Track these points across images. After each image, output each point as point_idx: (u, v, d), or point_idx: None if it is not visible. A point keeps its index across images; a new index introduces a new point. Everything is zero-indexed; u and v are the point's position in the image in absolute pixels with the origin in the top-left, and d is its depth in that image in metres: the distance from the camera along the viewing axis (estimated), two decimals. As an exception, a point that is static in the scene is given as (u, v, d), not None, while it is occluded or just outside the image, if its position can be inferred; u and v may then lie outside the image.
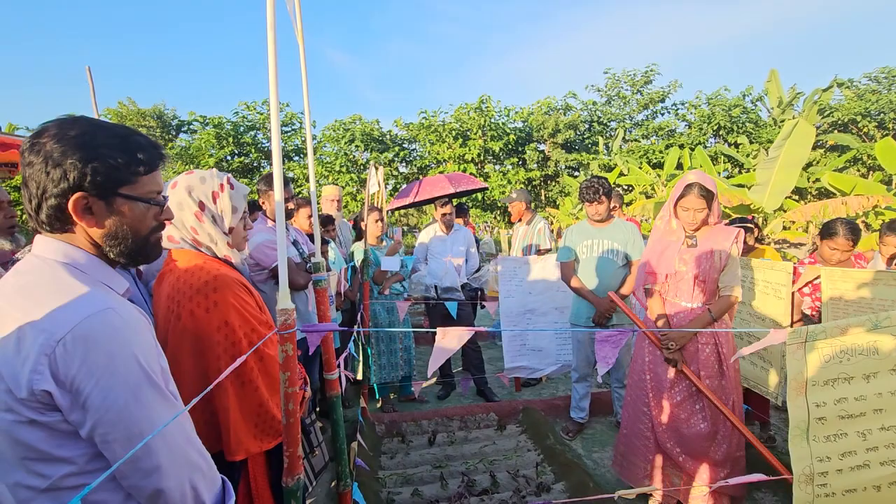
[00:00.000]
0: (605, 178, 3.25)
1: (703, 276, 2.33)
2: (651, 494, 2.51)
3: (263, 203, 2.79)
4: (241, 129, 18.60)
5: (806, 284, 2.90)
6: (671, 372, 2.37)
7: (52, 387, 0.75)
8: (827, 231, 2.87)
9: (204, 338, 1.28)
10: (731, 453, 2.29)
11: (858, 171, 17.01)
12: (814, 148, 14.09)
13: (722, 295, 2.33)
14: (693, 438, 2.31)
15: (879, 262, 3.01)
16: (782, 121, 17.80)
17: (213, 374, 1.21)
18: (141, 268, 1.64)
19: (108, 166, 0.84)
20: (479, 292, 4.78)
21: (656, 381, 2.44)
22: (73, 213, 0.83)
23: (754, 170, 10.38)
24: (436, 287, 4.12)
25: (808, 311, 2.94)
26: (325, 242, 3.34)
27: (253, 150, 18.61)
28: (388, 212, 6.47)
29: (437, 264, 4.13)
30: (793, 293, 2.80)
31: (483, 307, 4.67)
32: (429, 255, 4.19)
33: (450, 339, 1.40)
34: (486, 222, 19.82)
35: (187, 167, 17.37)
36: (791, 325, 2.83)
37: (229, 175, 1.49)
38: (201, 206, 1.39)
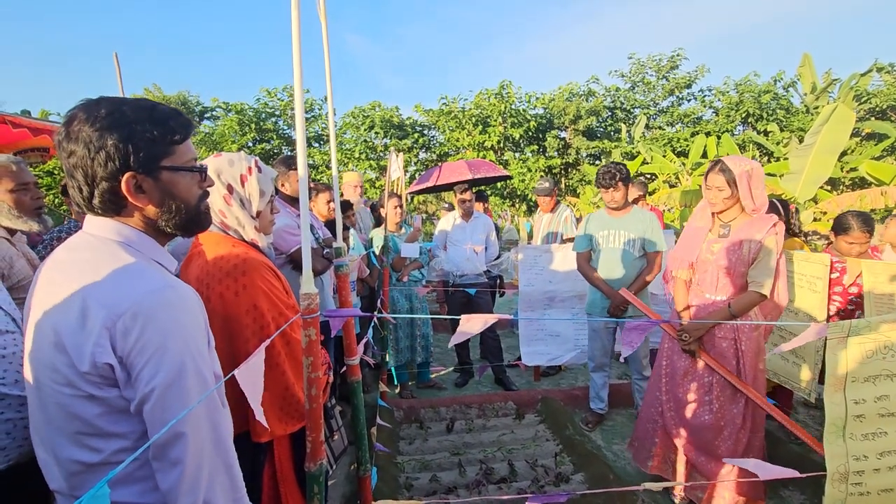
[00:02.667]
0: (623, 164, 3.15)
1: (729, 268, 2.20)
2: (672, 489, 2.47)
3: (283, 185, 2.79)
4: (263, 115, 18.76)
5: (853, 282, 2.80)
6: (686, 361, 2.34)
7: (112, 360, 0.77)
8: (841, 226, 2.79)
9: (233, 321, 1.29)
10: (736, 452, 2.20)
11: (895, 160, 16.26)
12: (849, 136, 13.51)
13: (748, 290, 2.18)
14: (697, 429, 2.28)
15: (889, 254, 2.95)
16: (816, 108, 17.11)
17: (241, 357, 1.22)
18: (167, 249, 1.66)
19: (146, 140, 0.85)
20: (499, 280, 4.75)
21: (671, 368, 2.42)
22: (128, 193, 0.84)
23: (785, 158, 10.02)
24: (454, 274, 4.10)
25: (836, 303, 2.86)
26: (345, 228, 3.34)
27: (274, 137, 18.77)
28: (407, 198, 6.45)
29: (456, 251, 4.11)
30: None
31: (502, 294, 4.64)
32: (448, 242, 4.17)
33: (472, 325, 1.38)
34: (506, 210, 19.68)
35: (211, 153, 17.60)
36: (827, 320, 2.73)
37: (257, 158, 1.49)
38: (230, 189, 1.38)
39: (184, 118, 0.92)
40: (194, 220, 0.95)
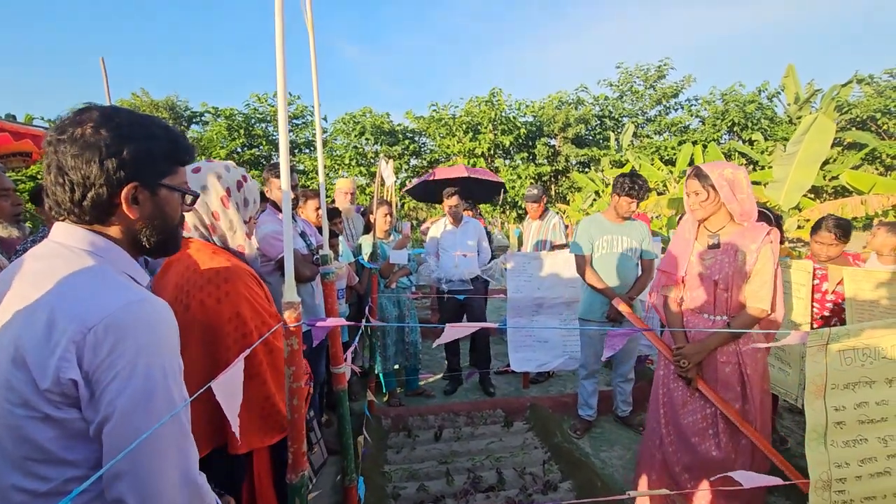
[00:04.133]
0: (644, 178, 3.20)
1: (723, 283, 2.01)
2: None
3: (268, 192, 2.77)
4: (253, 121, 18.70)
5: (832, 290, 2.84)
6: (685, 389, 2.13)
7: (77, 376, 0.73)
8: (814, 227, 2.88)
9: (214, 329, 1.26)
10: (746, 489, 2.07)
11: (877, 169, 16.66)
12: (831, 145, 13.83)
13: (748, 307, 1.99)
14: (704, 466, 2.03)
15: (874, 262, 2.99)
16: (799, 117, 17.48)
17: (222, 366, 1.19)
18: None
19: (160, 156, 0.87)
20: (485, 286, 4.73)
21: (669, 397, 2.19)
22: (125, 202, 0.83)
23: (769, 167, 10.20)
24: (446, 280, 4.11)
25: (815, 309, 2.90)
26: (333, 235, 3.32)
27: (264, 143, 18.71)
28: (397, 204, 6.44)
29: (447, 258, 4.11)
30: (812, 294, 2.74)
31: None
32: (440, 249, 4.17)
33: (457, 332, 1.38)
34: (496, 217, 19.77)
35: (199, 158, 17.45)
36: (811, 326, 2.77)
37: (244, 170, 1.51)
38: (228, 191, 1.39)
39: (191, 144, 0.95)
40: (171, 239, 0.95)
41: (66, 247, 0.83)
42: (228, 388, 0.95)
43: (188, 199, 0.97)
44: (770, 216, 2.98)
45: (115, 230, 0.87)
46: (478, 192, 7.13)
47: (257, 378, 1.30)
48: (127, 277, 0.86)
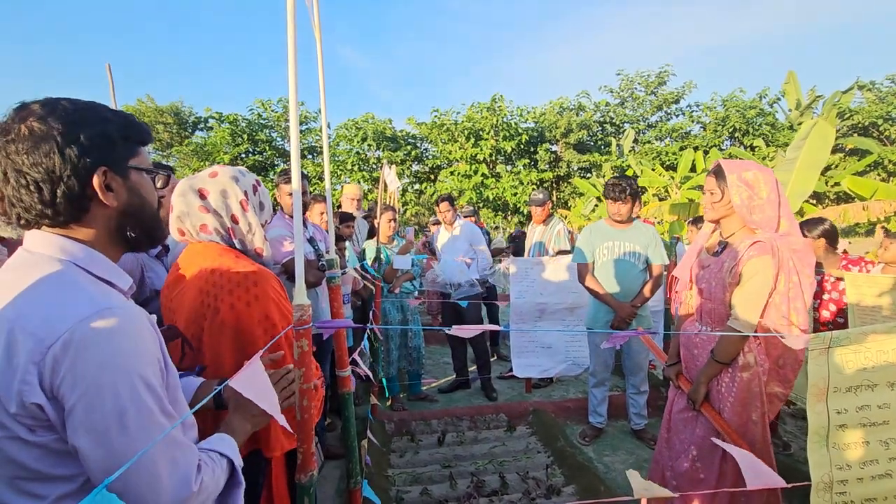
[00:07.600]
0: (634, 179, 3.13)
1: (706, 292, 1.93)
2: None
3: (279, 198, 2.80)
4: (256, 126, 18.83)
5: (832, 299, 2.84)
6: (682, 398, 2.06)
7: (42, 399, 0.68)
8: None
9: (245, 332, 1.27)
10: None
11: (878, 175, 16.68)
12: (833, 151, 13.86)
13: (726, 325, 1.82)
14: (677, 475, 2.00)
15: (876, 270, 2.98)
16: (800, 123, 17.54)
17: (253, 368, 1.22)
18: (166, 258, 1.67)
19: (119, 137, 0.81)
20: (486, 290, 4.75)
21: (672, 401, 2.17)
22: (99, 190, 0.78)
23: (771, 173, 10.21)
24: (448, 284, 4.14)
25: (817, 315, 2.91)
26: (340, 240, 3.35)
27: (267, 148, 18.83)
28: (400, 209, 6.49)
29: (443, 262, 4.16)
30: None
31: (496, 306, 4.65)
32: (441, 253, 4.23)
33: (462, 334, 1.40)
34: (497, 224, 19.81)
35: (203, 164, 17.62)
36: (815, 330, 2.78)
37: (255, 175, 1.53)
38: (246, 195, 1.40)
39: (145, 126, 0.90)
40: (156, 226, 0.90)
41: (37, 255, 0.78)
42: (253, 385, 0.94)
43: (159, 181, 0.93)
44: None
45: (94, 227, 0.81)
46: None
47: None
48: (102, 284, 0.80)
